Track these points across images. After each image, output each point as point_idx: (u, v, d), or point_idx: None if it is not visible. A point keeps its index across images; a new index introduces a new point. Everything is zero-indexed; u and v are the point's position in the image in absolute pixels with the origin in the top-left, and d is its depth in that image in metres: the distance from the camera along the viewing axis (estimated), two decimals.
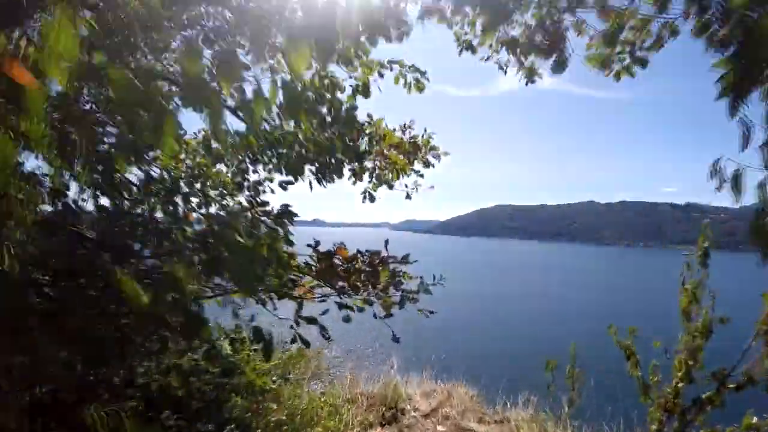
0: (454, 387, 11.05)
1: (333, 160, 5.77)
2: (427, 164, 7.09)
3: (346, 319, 4.83)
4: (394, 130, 6.71)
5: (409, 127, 6.91)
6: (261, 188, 6.16)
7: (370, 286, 4.99)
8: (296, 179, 5.54)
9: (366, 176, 6.71)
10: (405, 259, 5.15)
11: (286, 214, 5.07)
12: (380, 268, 4.96)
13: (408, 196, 7.28)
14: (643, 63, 5.34)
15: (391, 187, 7.04)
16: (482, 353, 64.83)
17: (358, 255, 4.98)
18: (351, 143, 5.90)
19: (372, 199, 6.93)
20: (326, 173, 5.83)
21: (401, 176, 6.91)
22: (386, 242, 5.05)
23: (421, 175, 7.16)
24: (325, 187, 6.02)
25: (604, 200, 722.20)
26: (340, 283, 4.94)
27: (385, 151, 6.34)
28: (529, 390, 10.69)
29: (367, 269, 4.94)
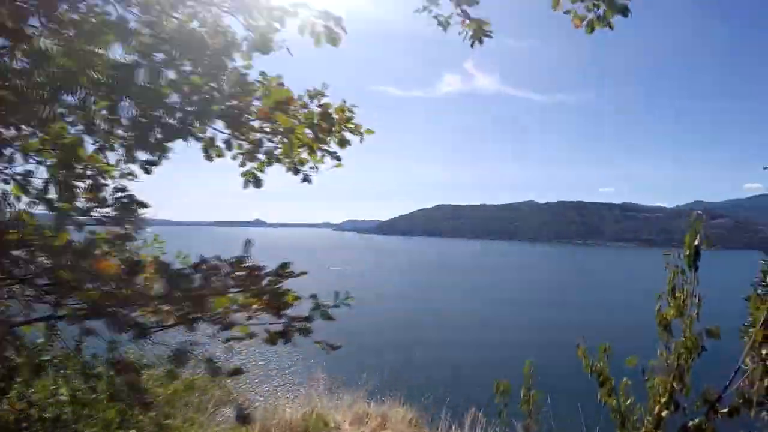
0: (390, 409, 9.48)
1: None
2: (342, 142, 5.66)
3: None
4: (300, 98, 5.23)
5: (320, 93, 5.42)
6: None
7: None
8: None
9: (237, 154, 5.35)
10: (284, 271, 3.57)
11: (128, 206, 3.81)
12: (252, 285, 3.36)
13: (306, 179, 5.82)
14: (624, 11, 4.24)
15: (296, 171, 5.71)
16: (425, 365, 64.08)
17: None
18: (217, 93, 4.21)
19: (257, 183, 5.60)
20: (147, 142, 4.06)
21: (310, 155, 5.64)
22: (247, 243, 3.42)
23: (337, 157, 5.79)
24: (148, 172, 4.62)
25: (544, 200, 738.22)
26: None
27: (271, 114, 4.62)
28: (477, 407, 9.40)
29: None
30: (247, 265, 3.49)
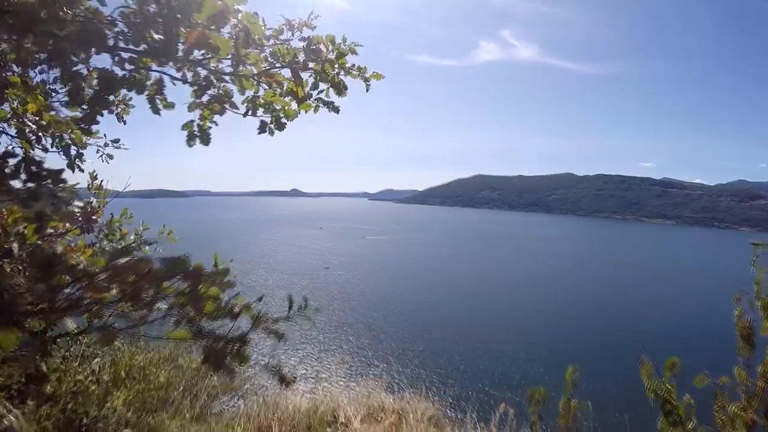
0: (410, 404, 8.32)
1: None
2: (338, 87, 4.50)
3: None
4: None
5: (306, 25, 4.22)
6: None
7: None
8: None
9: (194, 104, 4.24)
10: (220, 279, 2.74)
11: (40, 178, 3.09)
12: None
13: (279, 126, 4.67)
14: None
15: (280, 125, 4.66)
16: (453, 350, 62.98)
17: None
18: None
19: (204, 138, 4.43)
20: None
21: (301, 105, 4.57)
22: None
23: (335, 108, 4.67)
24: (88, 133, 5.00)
25: (582, 173, 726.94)
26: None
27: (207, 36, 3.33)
28: (509, 399, 8.26)
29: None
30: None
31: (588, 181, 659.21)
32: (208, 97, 4.07)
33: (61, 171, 3.22)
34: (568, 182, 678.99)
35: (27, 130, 5.16)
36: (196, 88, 3.96)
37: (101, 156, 7.05)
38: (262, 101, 4.37)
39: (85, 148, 6.21)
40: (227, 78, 4.03)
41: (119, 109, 5.69)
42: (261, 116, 4.48)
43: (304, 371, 55.11)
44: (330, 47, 4.15)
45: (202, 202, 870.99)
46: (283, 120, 4.55)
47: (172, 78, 3.83)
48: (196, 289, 2.50)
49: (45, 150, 5.93)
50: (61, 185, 3.21)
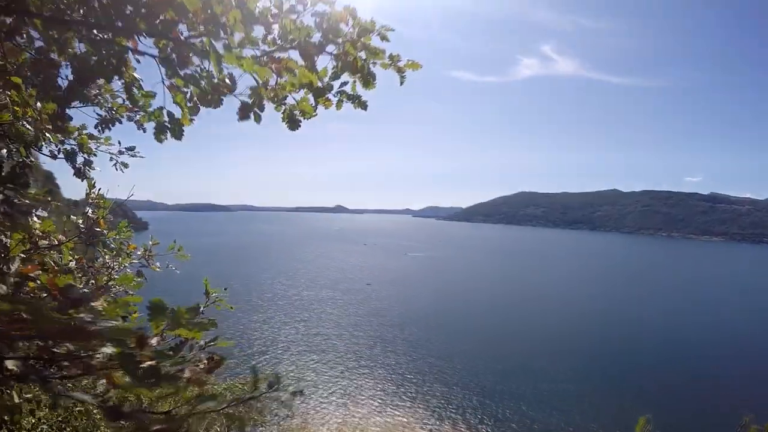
0: None
1: None
2: (365, 77, 3.72)
3: None
4: None
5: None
6: None
7: None
8: None
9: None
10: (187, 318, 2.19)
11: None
12: None
13: (292, 123, 3.91)
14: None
15: (293, 123, 3.90)
16: (489, 370, 61.43)
17: None
18: None
19: (176, 131, 3.83)
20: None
21: (319, 100, 3.79)
22: None
23: (362, 104, 3.90)
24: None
25: (627, 189, 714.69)
26: None
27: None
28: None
29: None
30: None
31: (633, 198, 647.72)
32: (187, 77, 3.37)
33: (23, 174, 2.90)
34: (613, 198, 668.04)
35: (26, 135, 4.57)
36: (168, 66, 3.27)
37: (115, 164, 6.58)
38: (270, 92, 3.65)
39: (94, 155, 5.71)
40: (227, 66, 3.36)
41: (101, 100, 5.13)
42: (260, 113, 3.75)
43: (339, 388, 54.41)
44: (350, 22, 3.40)
45: (245, 216, 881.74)
46: (298, 117, 3.84)
47: (156, 57, 3.16)
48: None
49: (53, 156, 5.46)
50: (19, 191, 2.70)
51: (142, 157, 6.66)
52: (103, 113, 6.88)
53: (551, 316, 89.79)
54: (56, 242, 4.48)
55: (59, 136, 5.22)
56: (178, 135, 3.70)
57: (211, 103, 3.53)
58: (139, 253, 5.68)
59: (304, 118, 3.91)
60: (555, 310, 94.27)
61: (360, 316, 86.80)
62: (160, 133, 3.65)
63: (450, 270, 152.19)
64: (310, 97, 3.80)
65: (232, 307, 4.46)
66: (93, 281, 4.54)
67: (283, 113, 3.80)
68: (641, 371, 61.02)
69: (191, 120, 3.64)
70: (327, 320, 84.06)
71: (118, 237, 5.47)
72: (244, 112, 3.75)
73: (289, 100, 3.76)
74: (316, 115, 3.95)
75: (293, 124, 3.87)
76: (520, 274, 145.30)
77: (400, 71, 3.77)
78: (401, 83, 3.86)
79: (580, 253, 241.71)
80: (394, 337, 73.40)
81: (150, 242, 5.95)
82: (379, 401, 51.45)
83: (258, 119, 3.79)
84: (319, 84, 3.70)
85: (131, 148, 6.59)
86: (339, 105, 3.88)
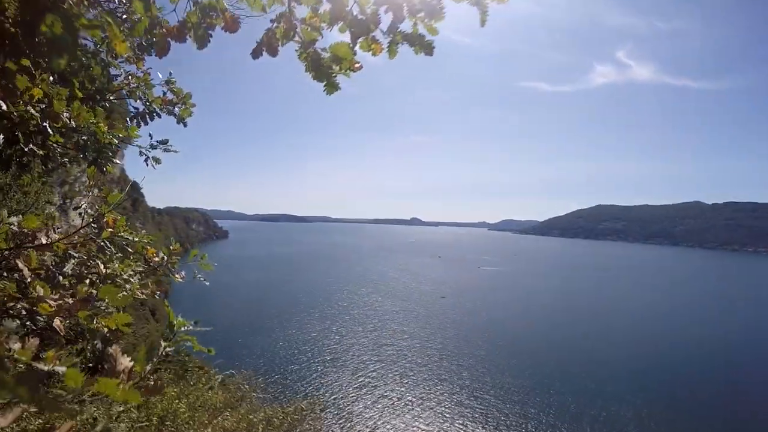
0: None
1: None
2: (435, 10, 3.01)
3: None
4: None
5: None
6: None
7: None
8: None
9: None
10: None
11: None
12: None
13: (330, 85, 3.23)
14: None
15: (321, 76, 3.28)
16: (561, 390, 59.13)
17: None
18: None
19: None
20: None
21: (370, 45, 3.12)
22: None
23: (423, 44, 3.09)
24: None
25: (711, 200, 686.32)
26: None
27: None
28: None
29: None
30: None
31: (716, 210, 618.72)
32: None
33: None
34: (696, 211, 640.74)
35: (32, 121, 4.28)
36: None
37: (146, 160, 5.97)
38: (284, 26, 2.82)
39: (112, 145, 5.07)
40: None
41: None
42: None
43: (409, 400, 53.65)
44: None
45: (322, 227, 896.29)
46: (330, 65, 2.99)
47: None
48: None
49: (64, 147, 4.86)
50: None
51: (176, 151, 6.15)
52: (140, 106, 6.35)
53: (625, 335, 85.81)
54: (44, 241, 3.75)
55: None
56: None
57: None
58: (156, 260, 4.89)
59: (341, 71, 3.03)
60: (629, 330, 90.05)
61: (432, 329, 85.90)
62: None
63: (523, 285, 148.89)
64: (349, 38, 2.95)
65: (211, 350, 3.64)
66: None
67: (300, 56, 2.96)
68: (737, 401, 57.30)
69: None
70: (399, 332, 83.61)
71: (132, 239, 4.68)
72: (256, 52, 3.17)
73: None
74: (359, 66, 3.05)
75: (319, 73, 3.00)
76: (593, 291, 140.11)
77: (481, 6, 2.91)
78: (482, 24, 2.94)
79: (658, 269, 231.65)
80: (465, 352, 72.09)
81: (171, 246, 5.15)
82: (448, 417, 50.45)
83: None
84: (360, 16, 2.80)
85: (164, 142, 6.07)
86: (392, 51, 2.98)
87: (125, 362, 2.27)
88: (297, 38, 3.00)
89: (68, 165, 5.43)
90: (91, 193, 4.54)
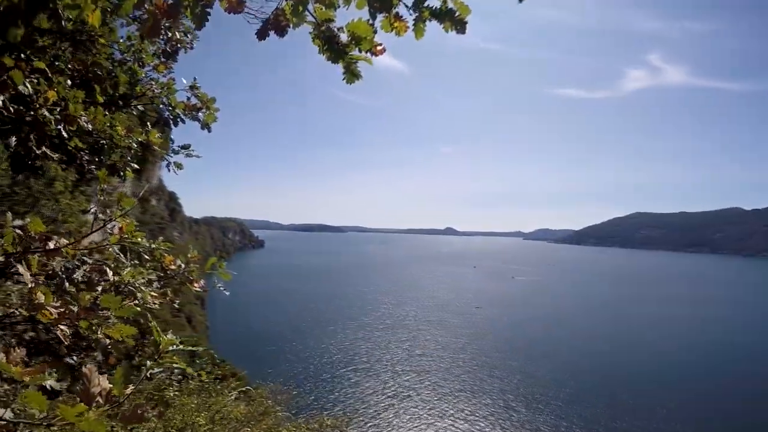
0: None
1: None
2: None
3: None
4: None
5: None
6: None
7: None
8: None
9: None
10: None
11: None
12: None
13: (352, 73, 3.09)
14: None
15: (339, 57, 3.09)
16: (595, 403, 57.63)
17: None
18: None
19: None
20: None
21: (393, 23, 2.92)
22: None
23: (455, 20, 2.88)
24: None
25: (751, 206, 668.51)
26: None
27: None
28: None
29: None
30: None
31: (757, 216, 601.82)
32: None
33: None
34: (736, 217, 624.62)
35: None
36: None
37: (167, 165, 5.87)
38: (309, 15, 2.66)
39: (127, 149, 4.96)
40: None
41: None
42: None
43: (440, 410, 53.17)
44: None
45: (357, 237, 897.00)
46: (346, 43, 2.79)
47: None
48: None
49: (77, 150, 4.75)
50: None
51: (199, 156, 6.01)
52: (165, 112, 6.28)
53: (666, 347, 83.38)
54: (52, 246, 3.61)
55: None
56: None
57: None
58: (173, 267, 4.72)
59: (360, 50, 2.80)
60: (670, 341, 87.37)
61: (467, 340, 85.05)
62: None
63: (558, 295, 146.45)
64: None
65: (203, 373, 3.44)
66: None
67: (314, 39, 2.75)
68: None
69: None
70: (432, 341, 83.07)
71: (149, 246, 4.52)
72: (262, 33, 2.97)
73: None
74: (382, 49, 2.83)
75: (334, 53, 2.79)
76: (632, 302, 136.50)
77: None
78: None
79: (699, 279, 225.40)
80: (499, 363, 71.16)
81: (189, 254, 4.97)
82: (480, 430, 49.79)
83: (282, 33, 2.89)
84: None
85: (186, 146, 5.95)
86: (419, 29, 2.75)
87: (103, 384, 2.02)
88: (309, 18, 2.80)
89: (92, 173, 5.36)
90: (104, 197, 4.41)
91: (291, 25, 2.83)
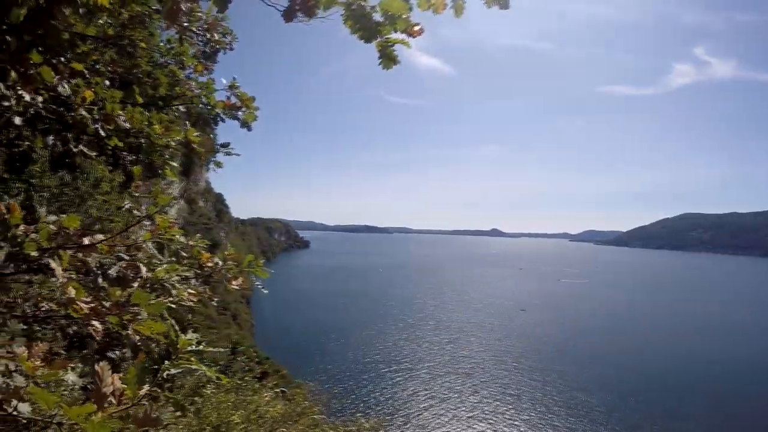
0: None
1: None
2: None
3: None
4: None
5: None
6: None
7: None
8: None
9: None
10: None
11: None
12: None
13: (389, 58, 3.04)
14: None
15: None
16: (644, 411, 56.01)
17: None
18: None
19: None
20: None
21: None
22: None
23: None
24: None
25: None
26: None
27: None
28: None
29: None
30: None
31: None
32: None
33: None
34: None
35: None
36: None
37: (208, 163, 5.92)
38: None
39: (165, 147, 5.02)
40: None
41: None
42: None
43: (482, 413, 52.71)
44: None
45: (402, 238, 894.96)
46: (377, 22, 2.74)
47: None
48: None
49: (118, 151, 4.82)
50: None
51: (238, 155, 6.05)
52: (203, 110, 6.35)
53: (718, 356, 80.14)
54: (86, 242, 3.63)
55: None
56: None
57: None
58: (210, 265, 4.73)
59: (396, 29, 2.74)
60: (722, 351, 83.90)
61: (510, 343, 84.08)
62: None
63: (603, 298, 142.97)
64: None
65: (222, 377, 3.37)
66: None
67: (346, 21, 2.70)
68: None
69: None
70: (476, 344, 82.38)
71: (186, 243, 4.56)
72: (289, 14, 2.93)
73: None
74: (419, 29, 2.76)
75: (365, 31, 2.73)
76: (683, 307, 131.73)
77: None
78: None
79: (754, 283, 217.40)
80: (543, 367, 70.06)
81: (225, 252, 4.97)
82: None
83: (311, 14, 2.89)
84: None
85: (225, 145, 6.00)
86: (459, 7, 2.71)
87: (116, 383, 1.96)
88: None
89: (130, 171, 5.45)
90: (138, 195, 4.45)
91: (320, 7, 2.77)
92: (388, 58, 2.93)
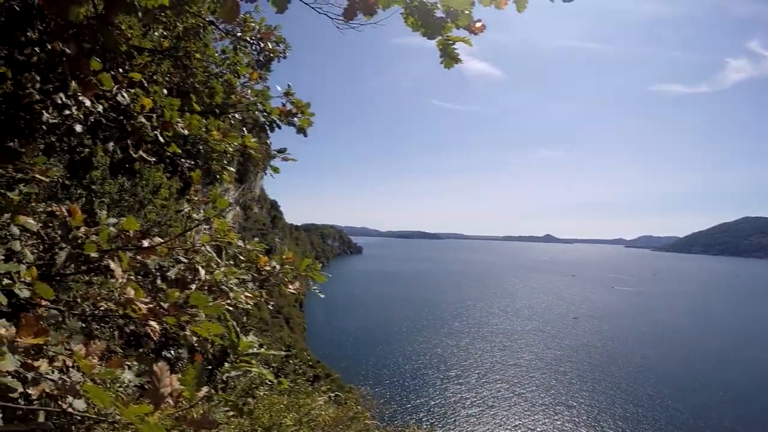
0: None
1: None
2: None
3: None
4: None
5: None
6: None
7: None
8: None
9: None
10: None
11: None
12: None
13: (450, 56, 3.02)
14: None
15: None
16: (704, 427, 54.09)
17: None
18: None
19: None
20: None
21: None
22: None
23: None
24: None
25: None
26: None
27: None
28: None
29: None
30: None
31: None
32: None
33: None
34: None
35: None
36: None
37: (264, 169, 6.09)
38: None
39: (223, 153, 5.11)
40: None
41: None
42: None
43: (532, 423, 52.03)
44: None
45: (454, 244, 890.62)
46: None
47: None
48: None
49: (177, 157, 4.93)
50: None
51: (294, 160, 6.15)
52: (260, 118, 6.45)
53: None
54: (145, 244, 3.70)
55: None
56: None
57: None
58: (267, 269, 4.79)
59: (458, 26, 2.73)
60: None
61: (562, 351, 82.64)
62: None
63: (659, 307, 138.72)
64: None
65: (284, 381, 3.40)
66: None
67: (407, 19, 2.69)
68: None
69: None
70: (526, 351, 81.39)
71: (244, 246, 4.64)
72: (350, 13, 2.97)
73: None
74: (481, 26, 2.74)
75: (429, 27, 2.72)
76: (740, 317, 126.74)
77: None
78: None
79: None
80: (594, 377, 68.64)
81: (284, 255, 5.03)
82: None
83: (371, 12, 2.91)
84: None
85: (282, 151, 6.10)
86: (521, 2, 2.65)
87: (174, 384, 1.97)
88: None
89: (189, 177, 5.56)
90: (197, 198, 4.53)
91: (380, 6, 2.77)
92: (449, 57, 2.93)
